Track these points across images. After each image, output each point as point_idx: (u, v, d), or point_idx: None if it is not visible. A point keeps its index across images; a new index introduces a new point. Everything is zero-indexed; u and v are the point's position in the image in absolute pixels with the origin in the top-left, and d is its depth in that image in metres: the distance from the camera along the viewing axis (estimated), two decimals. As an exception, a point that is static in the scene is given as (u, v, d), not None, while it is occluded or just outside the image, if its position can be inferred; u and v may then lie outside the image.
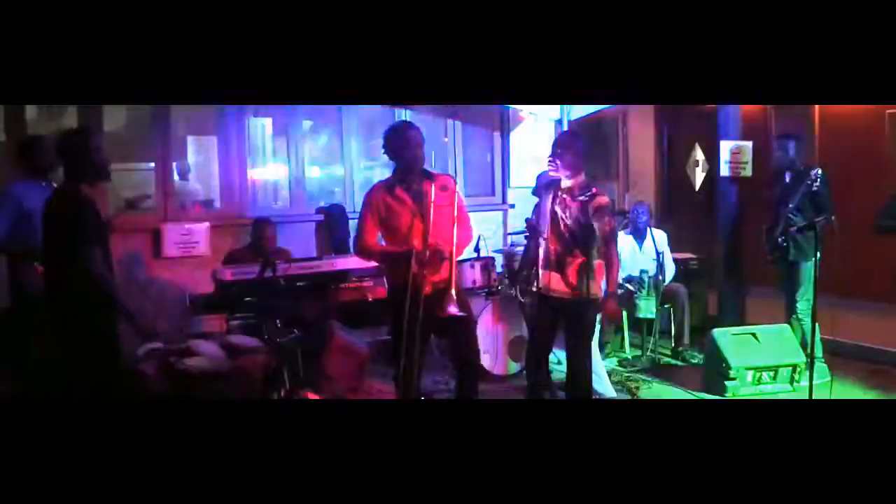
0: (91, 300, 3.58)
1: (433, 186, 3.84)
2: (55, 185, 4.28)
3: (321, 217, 6.65)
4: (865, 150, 6.80)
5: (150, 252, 5.93)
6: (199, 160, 8.29)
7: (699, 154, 7.21)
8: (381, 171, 7.05)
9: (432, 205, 3.81)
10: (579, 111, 7.14)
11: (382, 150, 3.99)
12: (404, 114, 7.05)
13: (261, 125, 7.71)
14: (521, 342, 5.51)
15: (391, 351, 4.12)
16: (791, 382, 5.18)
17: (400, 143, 3.91)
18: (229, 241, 5.94)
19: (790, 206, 5.26)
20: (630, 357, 6.15)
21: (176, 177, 6.87)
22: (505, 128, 7.59)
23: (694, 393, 5.25)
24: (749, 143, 6.21)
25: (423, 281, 3.77)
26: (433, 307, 3.75)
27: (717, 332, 5.35)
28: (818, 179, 5.11)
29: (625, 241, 6.17)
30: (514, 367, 5.62)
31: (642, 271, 6.03)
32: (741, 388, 5.08)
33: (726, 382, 5.09)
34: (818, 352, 5.12)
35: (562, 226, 4.14)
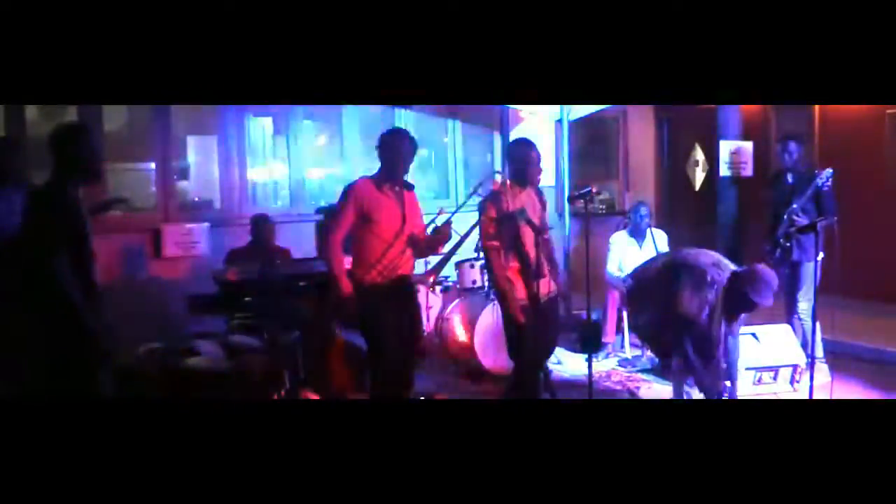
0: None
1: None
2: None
3: (321, 217, 6.65)
4: (865, 150, 6.81)
5: (150, 252, 5.92)
6: (200, 160, 8.29)
7: (699, 154, 7.21)
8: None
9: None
10: (579, 111, 7.15)
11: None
12: (404, 114, 7.05)
13: (261, 125, 7.71)
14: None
15: None
16: (791, 382, 5.17)
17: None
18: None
19: (794, 206, 5.25)
20: (630, 357, 6.13)
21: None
22: (505, 128, 7.59)
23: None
24: (749, 143, 6.22)
25: None
26: None
27: (717, 332, 5.33)
28: (828, 179, 5.10)
29: (625, 240, 6.17)
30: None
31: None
32: (741, 388, 5.07)
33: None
34: (818, 352, 5.11)
35: None
